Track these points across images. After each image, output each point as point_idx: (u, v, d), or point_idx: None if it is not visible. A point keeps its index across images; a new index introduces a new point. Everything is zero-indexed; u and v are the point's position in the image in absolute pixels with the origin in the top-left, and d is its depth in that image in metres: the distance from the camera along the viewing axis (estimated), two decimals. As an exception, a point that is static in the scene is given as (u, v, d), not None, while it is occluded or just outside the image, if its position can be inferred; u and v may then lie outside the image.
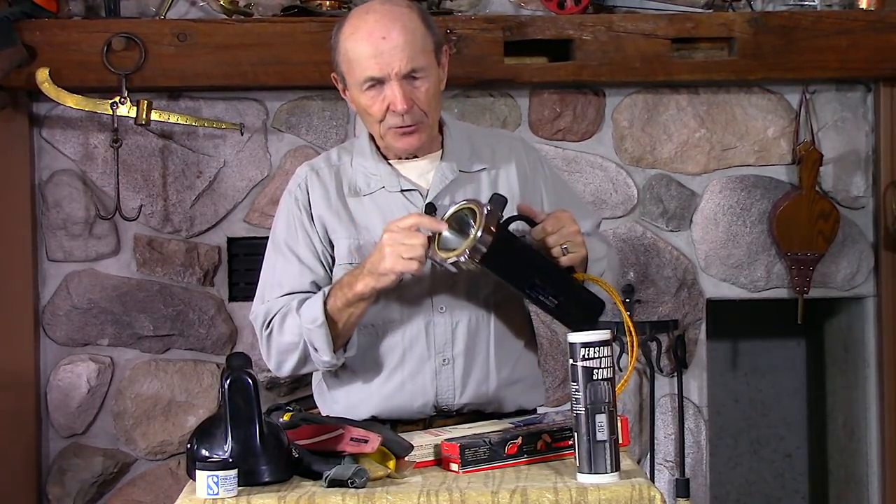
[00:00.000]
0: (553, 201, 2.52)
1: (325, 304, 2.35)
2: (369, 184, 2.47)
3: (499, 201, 2.27)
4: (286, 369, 2.46)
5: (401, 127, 2.38)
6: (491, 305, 2.45)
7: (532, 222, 2.32)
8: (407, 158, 2.48)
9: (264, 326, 2.45)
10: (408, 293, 2.42)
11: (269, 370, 3.48)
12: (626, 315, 2.33)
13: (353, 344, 2.42)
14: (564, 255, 2.30)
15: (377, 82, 2.36)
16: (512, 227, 2.30)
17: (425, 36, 2.38)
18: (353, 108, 2.50)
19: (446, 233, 2.28)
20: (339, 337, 2.38)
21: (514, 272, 2.30)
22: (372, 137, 2.50)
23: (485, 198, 2.35)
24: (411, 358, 2.43)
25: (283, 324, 2.41)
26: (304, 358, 2.41)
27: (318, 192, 2.48)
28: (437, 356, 2.42)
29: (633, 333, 2.30)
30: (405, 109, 2.35)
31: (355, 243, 2.43)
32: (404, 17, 2.37)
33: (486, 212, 2.23)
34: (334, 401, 2.51)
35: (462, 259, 2.23)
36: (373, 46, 2.34)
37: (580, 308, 2.33)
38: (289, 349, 2.42)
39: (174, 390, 3.56)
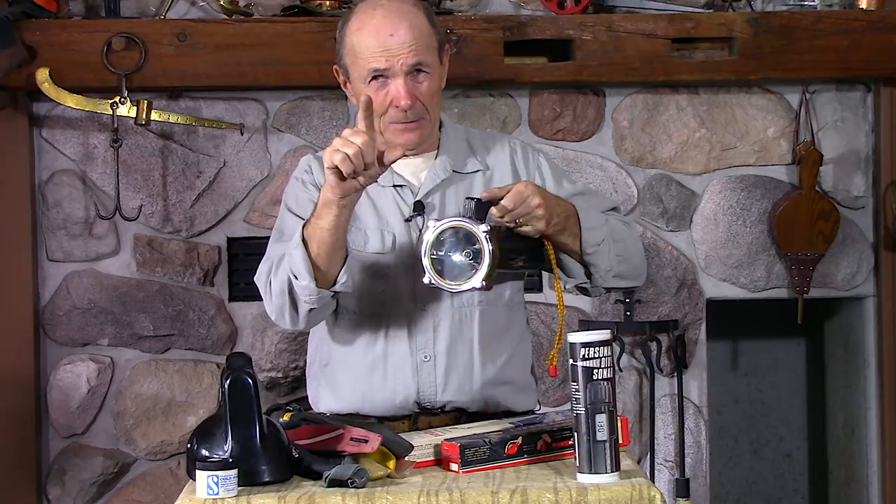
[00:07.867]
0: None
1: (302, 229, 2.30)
2: None
3: (480, 206, 2.25)
4: (287, 317, 2.37)
5: (402, 122, 2.40)
6: (476, 305, 2.46)
7: (499, 202, 2.29)
8: (404, 155, 2.48)
9: (266, 280, 2.40)
10: (389, 290, 2.43)
11: (268, 370, 3.53)
12: (553, 259, 2.36)
13: (343, 278, 2.32)
14: (518, 227, 2.30)
15: (382, 75, 2.38)
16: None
17: (431, 34, 2.42)
18: (353, 103, 2.49)
19: (437, 252, 2.25)
20: (318, 262, 2.28)
21: (505, 264, 2.30)
22: None
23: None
24: (393, 354, 2.44)
25: (278, 269, 2.36)
26: (293, 295, 2.33)
27: (321, 176, 2.47)
28: (418, 352, 2.43)
29: (557, 277, 2.36)
30: (409, 105, 2.38)
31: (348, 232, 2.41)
32: (411, 14, 2.40)
33: (486, 235, 2.21)
34: (320, 389, 2.52)
35: (477, 287, 2.23)
36: (380, 42, 2.36)
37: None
38: (282, 290, 2.34)
39: (174, 390, 3.56)
